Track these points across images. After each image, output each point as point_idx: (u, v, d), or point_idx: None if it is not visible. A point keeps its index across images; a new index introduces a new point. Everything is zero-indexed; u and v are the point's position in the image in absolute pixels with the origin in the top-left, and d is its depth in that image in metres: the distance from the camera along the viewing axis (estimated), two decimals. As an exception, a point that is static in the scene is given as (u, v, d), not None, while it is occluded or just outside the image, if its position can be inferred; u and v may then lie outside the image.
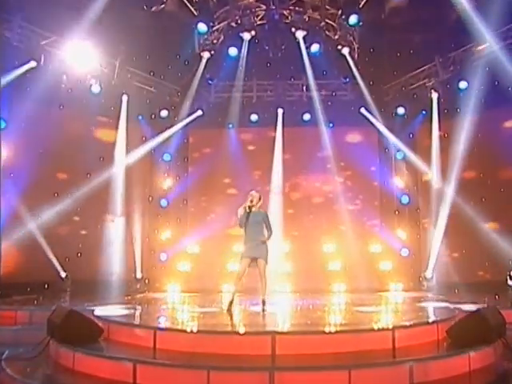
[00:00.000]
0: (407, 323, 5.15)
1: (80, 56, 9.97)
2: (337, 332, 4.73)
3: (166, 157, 12.58)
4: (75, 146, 10.20)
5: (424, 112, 11.46)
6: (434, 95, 11.09)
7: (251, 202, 6.24)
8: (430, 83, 11.12)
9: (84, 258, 10.05)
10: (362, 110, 12.14)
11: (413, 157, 11.83)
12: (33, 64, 9.31)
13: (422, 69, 11.27)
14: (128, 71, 11.17)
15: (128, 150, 11.18)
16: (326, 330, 4.87)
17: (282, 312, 6.84)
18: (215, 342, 4.46)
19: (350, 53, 11.26)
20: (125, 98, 11.15)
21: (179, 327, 5.19)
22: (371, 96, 11.79)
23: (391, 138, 12.05)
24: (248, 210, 6.20)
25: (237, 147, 13.05)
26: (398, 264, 11.73)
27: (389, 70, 11.31)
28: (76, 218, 10.21)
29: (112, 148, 10.99)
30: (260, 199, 6.36)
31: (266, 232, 6.30)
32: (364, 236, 12.49)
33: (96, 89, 10.54)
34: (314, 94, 12.10)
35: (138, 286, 11.11)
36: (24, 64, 9.22)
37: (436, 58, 10.81)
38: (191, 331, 4.83)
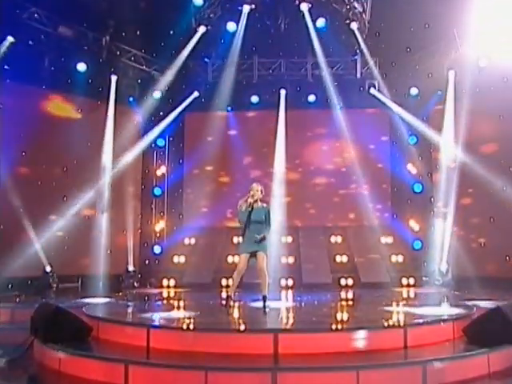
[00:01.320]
0: (420, 321, 5.14)
1: (64, 31, 9.85)
2: (344, 330, 4.72)
3: (160, 142, 12.52)
4: (60, 130, 10.13)
5: (439, 92, 11.33)
6: (451, 74, 10.94)
7: (253, 196, 6.12)
8: (447, 61, 10.97)
9: (71, 251, 10.03)
10: (372, 91, 12.03)
11: (427, 141, 11.76)
12: (11, 39, 9.19)
13: (438, 45, 11.10)
14: (117, 48, 11.04)
15: (118, 135, 11.11)
16: (333, 327, 4.86)
17: (284, 308, 6.83)
18: (213, 341, 4.46)
19: (359, 28, 11.11)
20: (114, 78, 11.05)
21: (174, 325, 5.18)
22: (382, 75, 11.66)
23: (404, 121, 11.95)
24: (250, 208, 6.09)
25: (236, 131, 13.01)
26: (411, 257, 11.73)
27: (401, 47, 11.14)
28: (62, 209, 10.17)
29: (100, 132, 10.91)
30: (262, 192, 6.24)
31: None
32: (374, 227, 12.48)
33: (82, 67, 10.44)
34: (320, 73, 11.99)
35: (130, 281, 11.13)
36: (1, 40, 9.11)
37: (454, 32, 10.64)
38: (187, 329, 4.83)
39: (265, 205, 6.28)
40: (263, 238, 6.08)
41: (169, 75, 11.43)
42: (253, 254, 6.13)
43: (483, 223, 10.47)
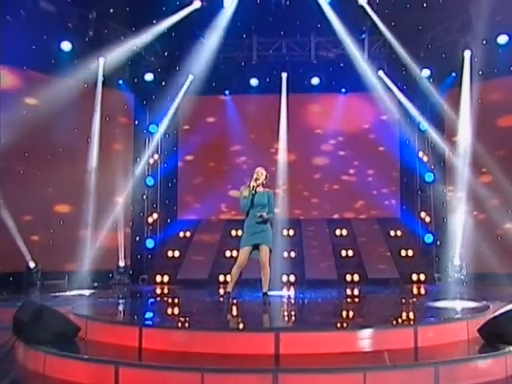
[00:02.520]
0: (431, 319, 5.13)
1: (47, 6, 9.73)
2: (350, 329, 4.70)
3: (152, 128, 12.47)
4: (43, 116, 10.02)
5: (454, 74, 11.25)
6: (467, 53, 10.83)
7: (256, 180, 6.10)
8: (462, 39, 10.84)
9: (56, 245, 10.01)
10: (381, 73, 11.95)
11: (439, 127, 11.70)
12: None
13: (453, 21, 10.97)
14: (105, 26, 10.92)
15: (107, 120, 11.03)
16: (338, 326, 4.85)
17: (286, 306, 6.84)
18: (210, 341, 4.44)
19: (367, 3, 10.98)
20: (102, 59, 10.95)
21: (168, 324, 5.17)
22: (391, 56, 11.57)
23: (414, 105, 11.88)
24: (253, 191, 6.07)
25: (234, 117, 12.98)
26: (421, 251, 11.75)
27: (413, 24, 11.02)
28: (46, 200, 10.12)
29: (88, 118, 10.85)
30: (266, 177, 6.23)
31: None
32: (382, 219, 12.50)
33: (66, 46, 10.30)
34: (324, 53, 11.90)
35: (121, 278, 11.14)
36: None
37: (470, 7, 10.50)
38: (182, 328, 4.81)
39: (267, 189, 6.26)
40: (266, 219, 6.02)
41: (161, 56, 11.33)
42: (255, 247, 6.11)
43: (501, 215, 10.44)
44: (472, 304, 6.34)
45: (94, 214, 10.68)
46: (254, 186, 6.08)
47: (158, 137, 12.49)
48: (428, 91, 11.57)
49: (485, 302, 6.37)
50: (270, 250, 6.12)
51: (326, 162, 13.00)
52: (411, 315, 5.77)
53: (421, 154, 12.27)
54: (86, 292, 9.08)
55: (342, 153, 12.95)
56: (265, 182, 6.23)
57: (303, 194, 12.94)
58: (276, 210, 12.00)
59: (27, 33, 9.62)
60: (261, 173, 6.19)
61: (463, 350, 4.59)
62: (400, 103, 12.21)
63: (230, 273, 6.29)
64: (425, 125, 12.00)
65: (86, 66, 10.60)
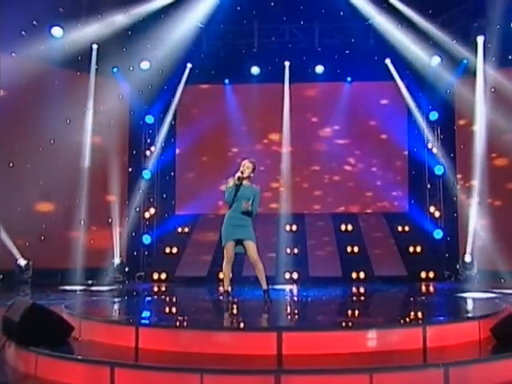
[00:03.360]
0: (441, 318, 5.11)
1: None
2: (355, 328, 4.69)
3: (149, 119, 12.45)
4: (33, 106, 10.00)
5: (465, 61, 11.17)
6: (480, 39, 10.75)
7: (242, 173, 6.08)
8: (475, 23, 10.76)
9: (49, 242, 10.02)
10: (388, 61, 11.90)
11: (450, 117, 11.64)
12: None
13: (466, 5, 10.88)
14: (98, 10, 10.85)
15: (101, 111, 11.00)
16: (343, 325, 4.84)
17: (289, 305, 6.84)
18: (209, 340, 4.43)
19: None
20: (95, 45, 10.89)
21: (166, 323, 5.16)
22: (399, 42, 11.50)
23: (424, 94, 11.83)
24: (238, 183, 6.06)
25: (235, 107, 12.94)
26: (431, 248, 11.74)
27: (422, 8, 10.94)
28: (38, 194, 10.12)
29: (80, 108, 10.83)
30: (253, 170, 6.19)
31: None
32: (389, 213, 12.48)
33: (57, 32, 10.27)
34: (329, 40, 11.85)
35: (116, 275, 11.16)
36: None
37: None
38: (181, 327, 4.80)
39: (255, 186, 6.24)
40: (248, 209, 6.00)
41: (158, 43, 11.29)
42: (239, 242, 6.12)
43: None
44: (484, 303, 6.33)
45: (87, 209, 10.69)
46: (239, 177, 6.06)
47: (154, 128, 12.46)
48: (438, 79, 11.51)
49: (498, 300, 6.36)
50: (255, 243, 6.11)
51: (330, 154, 12.97)
52: (420, 314, 5.74)
53: (430, 145, 12.23)
54: (80, 290, 9.09)
55: (347, 145, 12.91)
56: (252, 175, 6.18)
57: (306, 187, 12.93)
58: (276, 205, 12.15)
59: (16, 18, 9.55)
60: (247, 166, 6.13)
61: (475, 350, 4.57)
62: (408, 92, 12.14)
63: (222, 272, 6.28)
64: (434, 115, 11.94)
65: (77, 53, 10.55)
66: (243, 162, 6.22)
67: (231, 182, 6.14)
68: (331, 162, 12.97)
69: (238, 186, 6.07)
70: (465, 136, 11.48)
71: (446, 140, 11.99)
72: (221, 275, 10.56)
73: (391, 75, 11.95)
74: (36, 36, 9.94)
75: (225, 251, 6.16)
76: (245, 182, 6.14)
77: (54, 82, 10.33)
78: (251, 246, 6.09)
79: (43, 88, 10.03)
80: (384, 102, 12.46)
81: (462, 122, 11.60)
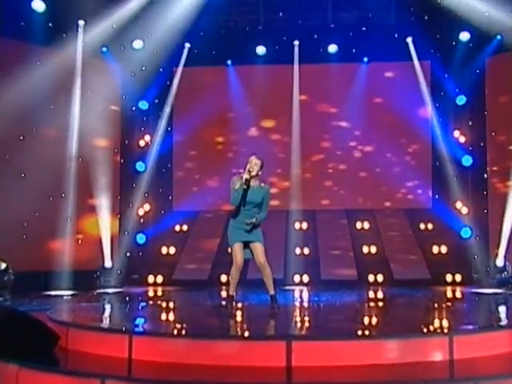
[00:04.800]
0: (470, 327, 5.09)
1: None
2: (373, 337, 4.68)
3: (143, 105, 12.45)
4: (13, 89, 9.95)
5: (499, 37, 11.07)
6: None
7: (249, 172, 6.06)
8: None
9: (31, 243, 10.04)
10: (409, 40, 11.83)
11: (480, 101, 11.55)
12: None
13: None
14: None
15: (88, 95, 11.01)
16: (359, 334, 4.83)
17: (299, 311, 6.85)
18: (211, 351, 4.43)
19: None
20: (81, 22, 10.88)
21: (163, 331, 5.18)
22: (422, 17, 11.42)
23: (450, 75, 11.75)
24: (245, 186, 6.03)
25: (238, 91, 12.91)
26: (457, 248, 11.69)
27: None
28: (18, 189, 10.12)
29: (66, 92, 10.83)
30: (262, 167, 6.17)
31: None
32: (410, 210, 12.44)
33: (39, 7, 10.23)
34: (344, 16, 11.80)
35: (107, 279, 11.19)
36: None
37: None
38: (179, 336, 4.81)
39: (263, 184, 6.24)
40: (256, 224, 6.05)
41: (152, 18, 11.26)
42: (246, 245, 6.15)
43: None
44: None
45: (75, 205, 10.71)
46: (246, 179, 6.02)
47: (149, 115, 12.45)
48: (467, 58, 11.40)
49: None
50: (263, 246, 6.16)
51: (344, 143, 12.94)
52: (445, 322, 5.74)
53: (457, 133, 12.16)
54: (67, 295, 9.12)
55: (363, 133, 12.86)
56: (260, 173, 6.17)
57: (318, 180, 12.91)
58: (283, 201, 12.13)
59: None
60: (254, 163, 6.10)
61: (507, 363, 4.56)
62: (432, 73, 12.06)
63: (230, 275, 6.31)
64: (462, 99, 11.86)
65: (62, 30, 10.52)
66: (250, 159, 6.18)
67: (238, 183, 6.09)
68: (345, 152, 12.93)
69: (245, 190, 6.02)
70: (497, 122, 11.40)
71: (475, 127, 11.92)
72: (224, 278, 10.75)
73: (414, 54, 11.85)
74: (15, 10, 9.93)
75: (233, 255, 6.16)
76: (252, 182, 6.11)
77: (36, 63, 10.32)
78: (259, 249, 6.10)
79: (23, 69, 10.02)
80: (405, 84, 12.37)
81: (493, 107, 11.50)
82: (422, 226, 12.21)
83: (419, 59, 11.97)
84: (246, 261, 6.27)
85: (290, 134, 12.54)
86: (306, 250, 11.70)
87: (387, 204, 12.85)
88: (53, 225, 10.45)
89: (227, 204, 12.20)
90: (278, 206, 12.08)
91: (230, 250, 6.23)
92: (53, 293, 9.29)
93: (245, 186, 6.03)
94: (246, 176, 6.03)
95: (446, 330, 4.89)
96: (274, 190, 11.98)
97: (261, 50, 12.46)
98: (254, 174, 6.07)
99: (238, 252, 6.13)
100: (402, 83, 12.37)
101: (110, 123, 11.53)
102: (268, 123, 12.95)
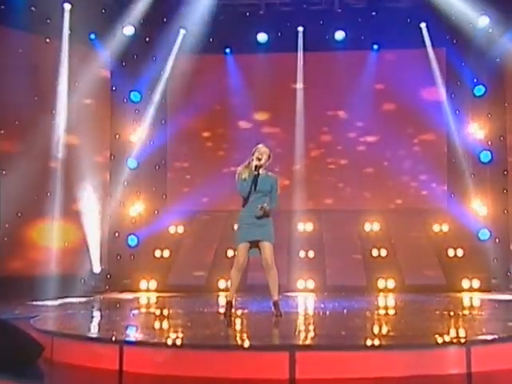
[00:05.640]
0: (488, 337, 5.06)
1: None
2: (383, 348, 4.67)
3: (135, 96, 12.43)
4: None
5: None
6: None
7: (259, 160, 6.16)
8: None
9: (13, 245, 10.03)
10: (423, 25, 11.80)
11: (500, 92, 11.52)
12: None
13: None
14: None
15: (76, 86, 10.99)
16: (368, 344, 4.82)
17: (303, 319, 6.85)
18: (208, 362, 4.43)
19: None
20: (67, 5, 10.85)
21: (156, 341, 5.17)
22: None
23: (467, 64, 11.72)
24: (255, 173, 6.12)
25: (238, 82, 12.90)
26: (474, 251, 11.67)
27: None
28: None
29: (51, 82, 10.82)
30: (270, 157, 6.31)
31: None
32: (424, 210, 12.42)
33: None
34: (352, 0, 11.76)
35: (96, 284, 11.20)
36: None
37: None
38: (174, 346, 4.79)
39: (270, 173, 6.33)
40: (267, 213, 6.07)
41: (143, 3, 11.26)
42: (254, 244, 6.18)
43: None
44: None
45: (61, 205, 10.70)
46: (256, 166, 6.12)
47: (141, 107, 12.44)
48: (486, 45, 11.37)
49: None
50: (273, 246, 6.20)
51: (351, 137, 12.93)
52: (462, 332, 5.74)
53: (475, 126, 12.13)
54: (52, 302, 9.10)
55: (372, 126, 12.84)
56: (267, 163, 6.29)
57: (324, 178, 12.91)
58: (287, 200, 12.10)
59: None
60: (263, 151, 6.24)
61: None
62: (448, 62, 12.03)
63: (230, 277, 6.35)
64: (480, 89, 11.83)
65: (46, 15, 10.48)
66: (258, 147, 6.30)
67: (245, 173, 6.15)
68: (353, 147, 12.92)
69: (255, 177, 6.06)
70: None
71: (494, 120, 11.87)
72: (222, 283, 10.75)
73: (427, 41, 11.82)
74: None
75: (237, 254, 6.19)
76: (261, 172, 6.17)
77: (18, 51, 10.31)
78: (268, 248, 6.15)
79: (4, 57, 10.01)
80: (418, 74, 12.35)
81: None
82: (437, 228, 12.19)
83: (433, 46, 11.94)
84: (251, 259, 6.27)
85: (293, 127, 12.51)
86: (311, 254, 11.68)
87: (399, 204, 12.84)
88: (37, 226, 10.44)
89: (227, 203, 12.28)
90: (280, 206, 12.03)
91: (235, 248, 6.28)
92: (36, 299, 9.26)
93: (255, 172, 6.10)
94: (255, 162, 6.13)
95: (462, 341, 4.87)
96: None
97: (262, 37, 12.44)
98: (263, 162, 6.18)
99: (241, 252, 6.19)
100: (415, 72, 12.34)
101: (98, 116, 11.54)
102: (269, 115, 12.91)
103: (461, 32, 11.53)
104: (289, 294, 9.88)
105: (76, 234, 11.18)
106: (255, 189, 6.14)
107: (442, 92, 12.29)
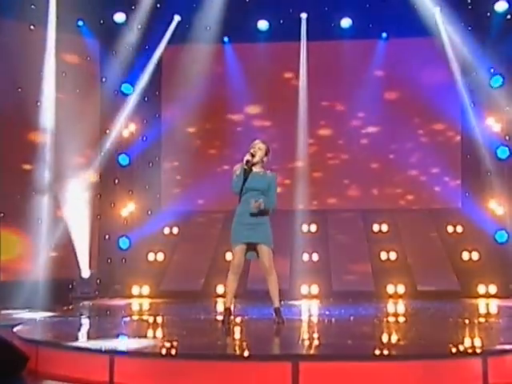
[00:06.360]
0: (507, 347, 5.07)
1: None
2: (393, 358, 4.68)
3: (126, 88, 12.42)
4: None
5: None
6: None
7: (252, 156, 6.24)
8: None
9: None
10: (436, 11, 11.77)
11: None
12: None
13: None
14: None
15: (63, 77, 10.98)
16: (377, 354, 4.82)
17: (307, 327, 6.87)
18: (205, 372, 4.44)
19: None
20: (54, -9, 10.90)
21: (149, 350, 5.17)
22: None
23: (484, 53, 11.70)
24: (245, 167, 6.20)
25: (237, 72, 12.90)
26: (491, 254, 11.66)
27: None
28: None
29: (36, 72, 10.78)
30: (267, 153, 6.38)
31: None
32: (436, 210, 12.42)
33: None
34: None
35: (85, 290, 11.19)
36: None
37: None
38: (168, 356, 4.80)
39: (269, 172, 6.40)
40: (261, 209, 6.10)
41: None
42: (251, 247, 6.22)
43: None
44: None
45: (46, 205, 10.69)
46: (248, 161, 6.19)
47: (133, 100, 12.44)
48: (504, 32, 11.35)
49: None
50: (272, 249, 6.26)
51: (358, 132, 12.93)
52: (478, 341, 5.76)
53: (491, 120, 12.11)
54: (37, 309, 9.09)
55: (380, 120, 12.83)
56: (265, 160, 6.37)
57: (329, 176, 12.90)
58: (289, 199, 12.11)
59: None
60: (258, 147, 6.32)
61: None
62: (463, 51, 12.01)
63: (226, 282, 6.39)
64: (498, 79, 11.82)
65: (30, 0, 10.45)
66: (254, 143, 6.39)
67: (239, 168, 6.22)
68: (360, 143, 12.92)
69: (246, 173, 6.11)
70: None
71: (512, 113, 11.88)
72: (220, 289, 10.74)
73: (440, 29, 11.79)
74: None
75: (233, 256, 6.22)
76: (257, 169, 6.19)
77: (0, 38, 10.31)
78: (265, 252, 6.19)
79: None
80: (429, 63, 12.34)
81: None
82: (450, 229, 12.16)
83: (447, 34, 11.90)
84: (247, 263, 6.30)
85: (296, 121, 12.50)
86: (315, 257, 11.68)
87: (409, 203, 12.84)
88: (20, 227, 10.43)
89: (225, 203, 12.27)
90: (282, 206, 12.03)
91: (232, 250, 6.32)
92: (20, 306, 9.24)
93: (245, 167, 6.13)
94: (247, 157, 6.20)
95: (478, 351, 4.88)
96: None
97: (263, 24, 12.43)
98: (257, 159, 6.27)
99: (237, 254, 6.23)
100: (427, 62, 12.34)
101: (87, 110, 11.52)
102: (270, 108, 12.90)
103: (477, 18, 11.52)
104: (291, 300, 9.87)
105: (64, 237, 11.14)
106: (244, 185, 6.19)
107: (456, 83, 12.26)
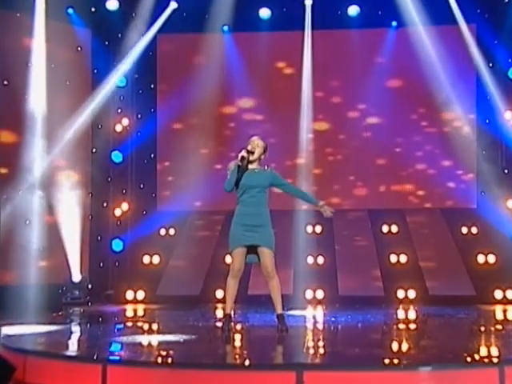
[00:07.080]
0: (525, 355, 5.09)
1: None
2: (404, 367, 4.67)
3: (120, 81, 12.42)
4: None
5: None
6: None
7: (248, 152, 6.29)
8: None
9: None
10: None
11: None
12: None
13: None
14: None
15: (51, 68, 10.97)
16: (386, 362, 4.82)
17: (312, 334, 6.88)
18: (205, 382, 4.44)
19: None
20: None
21: (144, 359, 5.18)
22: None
23: (500, 42, 11.70)
24: (240, 163, 6.24)
25: (237, 63, 12.89)
26: (509, 257, 11.64)
27: None
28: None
29: (23, 63, 10.80)
30: (265, 150, 6.44)
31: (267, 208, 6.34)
32: (449, 210, 12.41)
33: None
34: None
35: (76, 295, 11.20)
36: None
37: None
38: (164, 364, 4.81)
39: (267, 168, 6.49)
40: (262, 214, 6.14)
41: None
42: (252, 250, 6.22)
43: None
44: None
45: (36, 205, 10.69)
46: (243, 158, 6.22)
47: (127, 93, 12.44)
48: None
49: None
50: (273, 252, 6.27)
51: (367, 127, 12.90)
52: (494, 350, 5.75)
53: (509, 114, 12.11)
54: (25, 316, 9.09)
55: (390, 114, 12.82)
56: (263, 157, 6.44)
57: (335, 173, 12.89)
58: (293, 199, 12.12)
59: None
60: (256, 144, 6.37)
61: None
62: (479, 40, 12.01)
63: (226, 287, 6.42)
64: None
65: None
66: (252, 139, 6.45)
67: (234, 166, 6.23)
68: (368, 138, 12.91)
69: (242, 171, 6.12)
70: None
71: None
72: (220, 293, 10.74)
73: (454, 17, 11.79)
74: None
75: (232, 259, 6.23)
76: (253, 166, 6.19)
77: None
78: (267, 255, 6.19)
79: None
80: (442, 54, 12.31)
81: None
82: (465, 230, 12.17)
83: (462, 22, 11.88)
84: (247, 267, 6.32)
85: (300, 115, 12.50)
86: (321, 260, 11.68)
87: (421, 203, 12.83)
88: (7, 228, 10.44)
89: (224, 202, 12.29)
90: (283, 206, 12.05)
91: (230, 252, 6.36)
92: (8, 314, 9.25)
93: (239, 163, 6.14)
94: (242, 153, 6.26)
95: (495, 360, 4.88)
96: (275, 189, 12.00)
97: (265, 12, 12.44)
98: (256, 156, 6.32)
99: (237, 258, 6.25)
100: (441, 53, 12.29)
101: (78, 103, 11.52)
102: (272, 101, 12.88)
103: (494, 6, 11.52)
104: (295, 305, 9.87)
105: (53, 239, 11.15)
106: (240, 184, 6.22)
107: (472, 75, 12.25)
